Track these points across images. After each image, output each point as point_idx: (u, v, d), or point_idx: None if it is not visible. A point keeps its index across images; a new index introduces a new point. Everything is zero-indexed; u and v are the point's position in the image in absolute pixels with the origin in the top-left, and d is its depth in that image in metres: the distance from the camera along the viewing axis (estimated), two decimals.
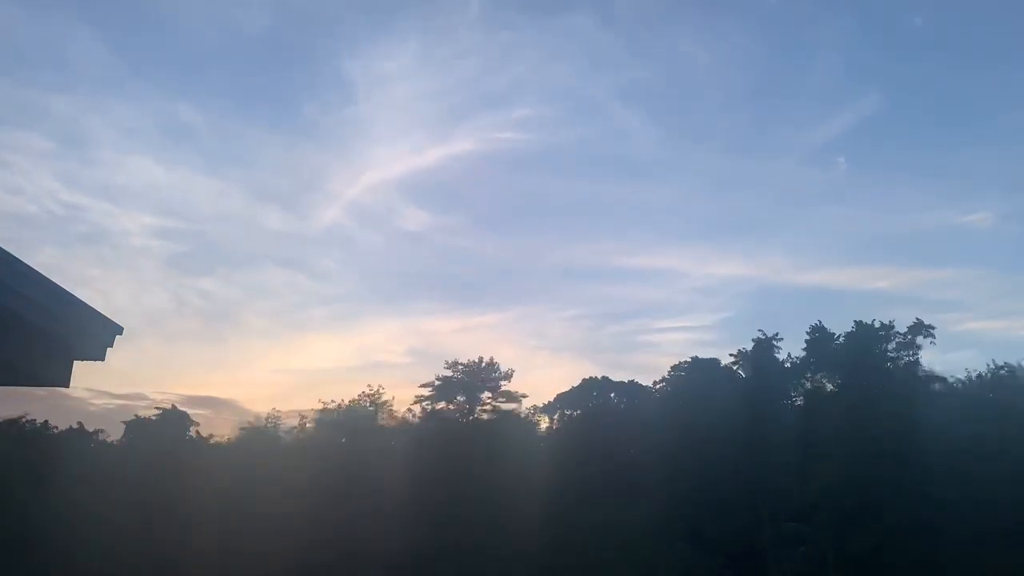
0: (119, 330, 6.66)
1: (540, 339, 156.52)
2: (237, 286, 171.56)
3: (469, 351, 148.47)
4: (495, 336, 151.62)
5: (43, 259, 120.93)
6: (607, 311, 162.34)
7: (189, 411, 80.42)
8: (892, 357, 66.36)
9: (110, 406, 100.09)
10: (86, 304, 6.28)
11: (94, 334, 6.50)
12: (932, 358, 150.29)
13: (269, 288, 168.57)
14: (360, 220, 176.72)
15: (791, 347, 74.13)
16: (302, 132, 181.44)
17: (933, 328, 65.84)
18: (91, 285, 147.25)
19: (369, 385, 76.08)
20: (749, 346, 72.54)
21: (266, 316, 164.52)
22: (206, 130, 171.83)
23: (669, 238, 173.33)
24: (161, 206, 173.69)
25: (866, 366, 64.72)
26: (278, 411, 79.98)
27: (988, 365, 71.29)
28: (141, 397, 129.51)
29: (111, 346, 6.70)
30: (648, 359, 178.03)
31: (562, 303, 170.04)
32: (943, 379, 69.81)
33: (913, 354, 65.70)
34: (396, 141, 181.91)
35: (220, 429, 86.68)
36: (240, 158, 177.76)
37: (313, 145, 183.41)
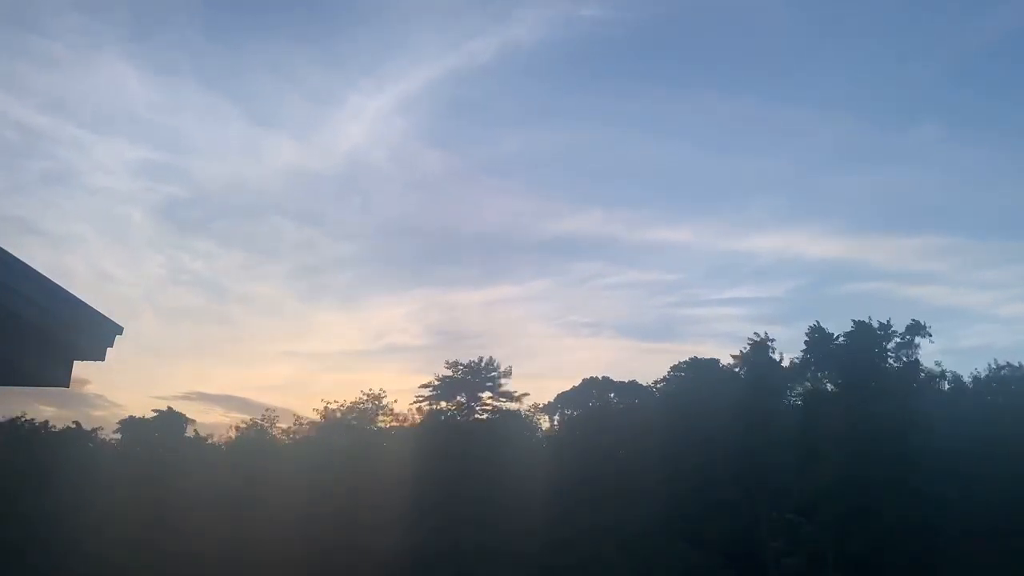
0: (119, 330, 6.65)
1: (579, 314, 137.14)
2: (239, 245, 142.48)
3: (493, 330, 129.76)
4: (525, 312, 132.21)
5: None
6: (656, 279, 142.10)
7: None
8: (891, 357, 66.42)
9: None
10: (86, 304, 6.27)
11: (94, 334, 6.49)
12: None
13: (275, 249, 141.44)
14: (379, 156, 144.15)
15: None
16: (315, 15, 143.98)
17: (930, 327, 66.08)
18: (69, 247, 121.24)
19: (370, 389, 76.34)
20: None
21: (273, 285, 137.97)
22: (187, 16, 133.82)
23: (735, 194, 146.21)
24: (141, 132, 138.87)
25: (865, 366, 64.75)
26: (274, 411, 79.98)
27: (989, 365, 71.47)
28: (198, 396, 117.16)
29: (111, 346, 6.69)
30: (697, 342, 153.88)
31: (604, 269, 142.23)
32: (942, 379, 70.00)
33: (912, 353, 65.80)
34: (434, 27, 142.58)
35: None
36: (233, 58, 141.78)
37: (327, 33, 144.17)
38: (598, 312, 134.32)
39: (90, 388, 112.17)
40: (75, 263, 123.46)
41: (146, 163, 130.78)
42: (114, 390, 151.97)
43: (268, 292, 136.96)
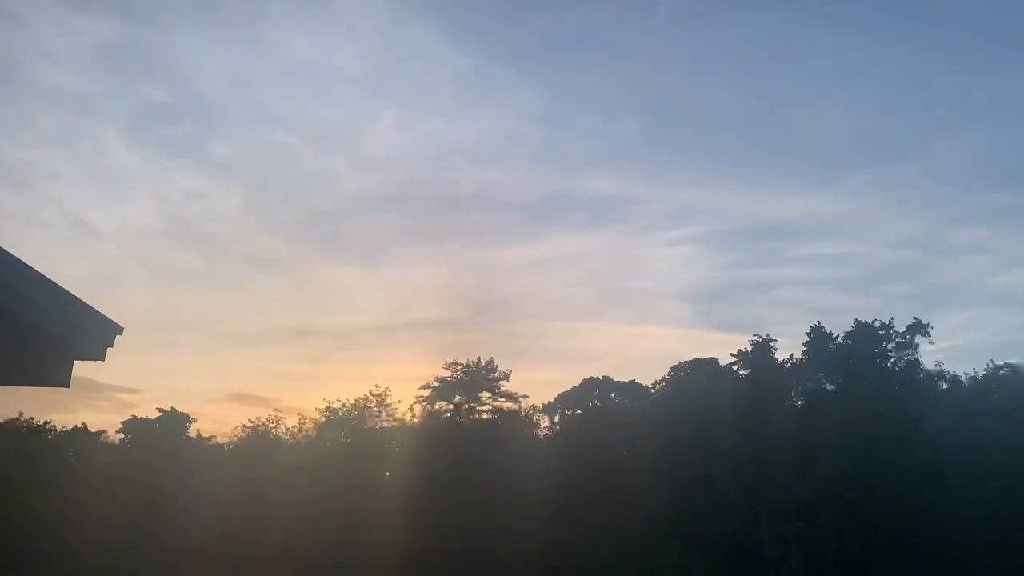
0: (119, 330, 6.67)
1: (633, 278, 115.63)
2: (240, 179, 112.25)
3: (534, 298, 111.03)
4: (575, 274, 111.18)
5: None
6: (724, 228, 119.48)
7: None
8: (891, 356, 66.45)
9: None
10: (86, 304, 6.29)
11: (94, 334, 6.51)
12: None
13: (284, 182, 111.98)
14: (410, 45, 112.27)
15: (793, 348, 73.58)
16: None
17: (931, 327, 66.15)
18: (28, 185, 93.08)
19: (376, 385, 76.58)
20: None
21: (283, 237, 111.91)
22: None
23: (802, 144, 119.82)
24: None
25: (865, 366, 64.80)
26: (279, 412, 79.98)
27: (988, 365, 71.51)
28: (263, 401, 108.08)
29: (111, 346, 6.71)
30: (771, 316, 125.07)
31: (667, 217, 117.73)
32: (942, 378, 69.96)
33: (912, 353, 65.85)
34: None
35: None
36: None
37: None
38: (654, 275, 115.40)
39: (138, 397, 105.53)
40: (41, 210, 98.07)
41: (111, 48, 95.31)
42: (161, 396, 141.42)
43: (277, 248, 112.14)
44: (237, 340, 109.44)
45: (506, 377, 74.11)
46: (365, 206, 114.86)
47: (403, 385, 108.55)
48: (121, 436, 77.20)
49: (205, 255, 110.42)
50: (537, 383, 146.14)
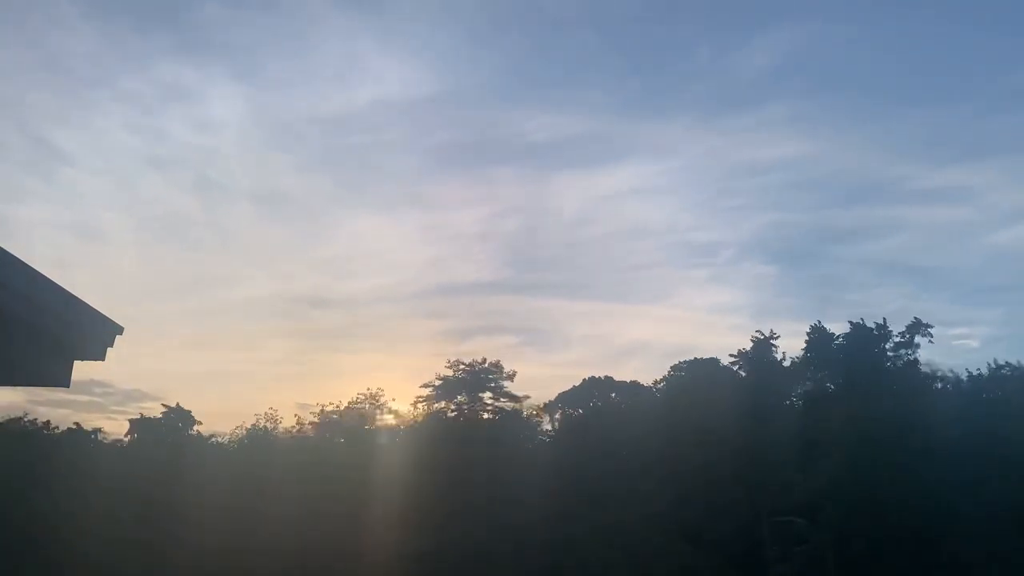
0: (119, 330, 6.70)
1: (701, 226, 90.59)
2: (239, 71, 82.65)
3: (589, 250, 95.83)
4: (630, 222, 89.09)
5: None
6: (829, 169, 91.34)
7: None
8: (891, 356, 66.43)
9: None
10: (86, 304, 6.32)
11: (94, 334, 6.54)
12: None
13: (291, 79, 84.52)
14: None
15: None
16: None
17: (931, 327, 66.05)
18: None
19: (368, 388, 77.19)
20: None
21: (293, 166, 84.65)
22: None
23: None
24: None
25: (865, 365, 64.76)
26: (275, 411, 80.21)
27: (989, 364, 71.40)
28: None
29: (111, 346, 6.74)
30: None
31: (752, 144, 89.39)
32: (943, 378, 69.92)
33: (912, 353, 65.81)
34: None
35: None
36: None
37: None
38: (725, 222, 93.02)
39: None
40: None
41: None
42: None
43: (286, 180, 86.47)
44: (241, 316, 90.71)
45: (510, 377, 74.55)
46: (395, 113, 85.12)
47: (420, 375, 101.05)
48: (128, 435, 77.42)
49: (199, 193, 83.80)
50: (571, 364, 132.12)
